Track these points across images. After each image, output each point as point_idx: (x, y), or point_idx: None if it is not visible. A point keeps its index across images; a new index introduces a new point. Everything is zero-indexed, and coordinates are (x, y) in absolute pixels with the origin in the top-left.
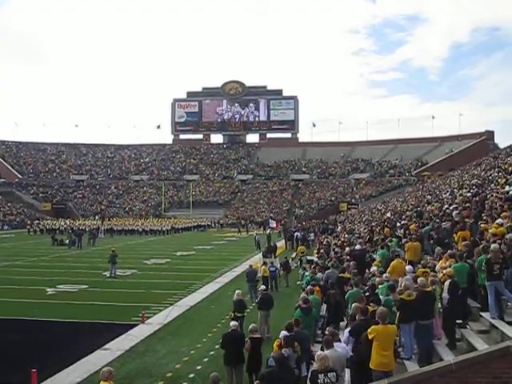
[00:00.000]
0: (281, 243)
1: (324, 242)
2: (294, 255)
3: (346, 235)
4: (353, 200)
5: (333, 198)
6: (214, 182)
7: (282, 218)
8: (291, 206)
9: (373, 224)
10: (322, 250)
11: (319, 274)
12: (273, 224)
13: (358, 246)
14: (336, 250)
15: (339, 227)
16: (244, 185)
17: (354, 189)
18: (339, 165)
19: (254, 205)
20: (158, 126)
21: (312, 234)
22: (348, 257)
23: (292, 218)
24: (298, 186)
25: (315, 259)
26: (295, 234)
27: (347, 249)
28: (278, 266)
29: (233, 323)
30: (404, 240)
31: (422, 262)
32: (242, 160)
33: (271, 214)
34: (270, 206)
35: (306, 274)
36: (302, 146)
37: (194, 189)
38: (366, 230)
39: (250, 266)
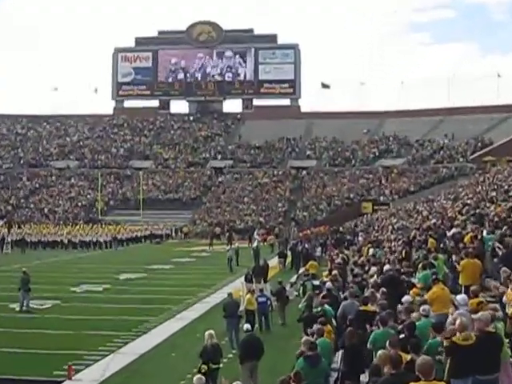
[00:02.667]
0: (274, 261)
1: (338, 260)
2: (294, 279)
3: (371, 250)
4: (381, 198)
5: (351, 195)
6: (176, 170)
7: (276, 224)
8: (290, 206)
9: (411, 233)
10: (334, 272)
11: (326, 308)
12: (259, 235)
13: (388, 266)
14: (356, 271)
15: (360, 237)
16: (220, 175)
17: (383, 181)
18: (361, 146)
19: (235, 204)
20: (95, 90)
21: (319, 248)
22: (373, 281)
23: (291, 225)
24: (301, 176)
25: (327, 284)
26: (296, 247)
27: (372, 269)
28: (270, 294)
29: (198, 380)
30: (456, 257)
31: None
32: (217, 139)
33: (260, 219)
34: (258, 207)
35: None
36: (307, 118)
37: (146, 181)
38: (400, 242)
39: (230, 294)
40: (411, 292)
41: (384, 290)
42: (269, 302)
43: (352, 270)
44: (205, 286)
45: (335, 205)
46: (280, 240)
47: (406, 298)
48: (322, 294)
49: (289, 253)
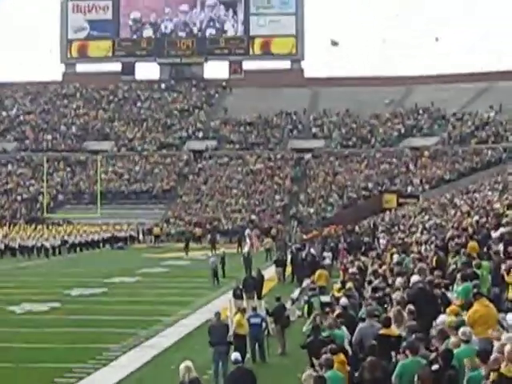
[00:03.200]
0: (270, 271)
1: (353, 269)
2: (296, 294)
3: (396, 256)
4: (408, 189)
5: (369, 186)
6: (144, 154)
7: (272, 223)
8: (291, 200)
9: (446, 234)
10: (349, 284)
11: (343, 330)
12: (251, 238)
13: (417, 277)
14: (376, 283)
15: (382, 240)
16: (201, 160)
17: (411, 167)
18: (382, 121)
19: (221, 198)
20: (49, 51)
21: (329, 254)
22: (399, 297)
23: (292, 224)
24: (304, 162)
25: (342, 301)
26: (299, 253)
27: (397, 281)
28: (266, 314)
29: None
30: (504, 265)
31: None
32: (197, 113)
33: (253, 217)
34: (250, 201)
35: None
36: (312, 86)
37: (105, 168)
38: (432, 246)
39: (217, 314)
40: (447, 310)
41: (412, 307)
42: (264, 325)
43: (370, 282)
44: (181, 305)
45: (349, 198)
46: (278, 244)
47: (440, 319)
48: (334, 314)
49: (289, 260)
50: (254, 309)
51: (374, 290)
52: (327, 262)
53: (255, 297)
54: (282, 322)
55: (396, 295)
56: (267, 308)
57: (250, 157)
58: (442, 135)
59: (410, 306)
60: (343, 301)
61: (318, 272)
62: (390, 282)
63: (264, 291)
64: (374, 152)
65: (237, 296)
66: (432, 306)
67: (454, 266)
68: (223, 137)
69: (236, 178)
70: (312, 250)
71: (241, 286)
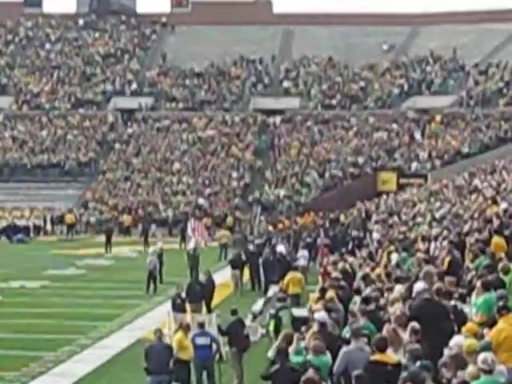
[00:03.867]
0: (225, 275)
1: (336, 273)
2: (259, 305)
3: (394, 255)
4: (412, 165)
5: (360, 160)
6: (54, 115)
7: (228, 210)
8: (254, 179)
9: (463, 227)
10: (330, 293)
11: (328, 357)
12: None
13: (422, 285)
14: (367, 292)
15: (375, 234)
16: (132, 123)
17: (417, 136)
18: (378, 73)
19: (158, 175)
20: None
21: (304, 252)
22: (398, 311)
23: (255, 212)
24: (272, 127)
25: (317, 316)
26: (263, 249)
27: (396, 290)
28: (217, 333)
29: None
30: None
31: None
32: (127, 59)
33: (201, 201)
34: (198, 179)
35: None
36: (284, 24)
37: (1, 134)
38: (444, 243)
39: (158, 331)
40: (463, 330)
41: (416, 325)
42: (214, 347)
43: (359, 291)
44: (103, 319)
45: (332, 177)
46: (236, 238)
47: (454, 341)
48: (310, 332)
49: (250, 260)
50: (202, 325)
51: (365, 300)
52: (302, 262)
53: (203, 309)
54: (240, 344)
55: (394, 309)
56: (219, 324)
57: (198, 120)
58: (460, 93)
59: (413, 324)
60: (321, 315)
61: (289, 276)
62: (386, 289)
63: (215, 301)
64: (366, 115)
65: (178, 308)
66: (443, 323)
67: (474, 271)
68: (162, 92)
69: (179, 148)
70: (281, 247)
71: (184, 295)
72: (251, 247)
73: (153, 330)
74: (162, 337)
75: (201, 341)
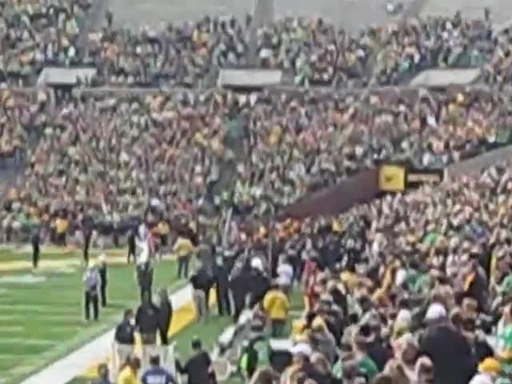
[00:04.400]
0: (185, 296)
1: (326, 296)
2: (227, 335)
3: (401, 272)
4: (424, 159)
5: (358, 151)
6: None
7: (190, 213)
8: (222, 173)
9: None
10: (318, 321)
11: None
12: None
13: (435, 310)
14: (366, 319)
15: (377, 244)
16: (68, 102)
17: (430, 120)
18: (381, 40)
19: (100, 168)
20: None
21: (286, 268)
22: (405, 343)
23: (225, 216)
24: (247, 108)
25: (299, 349)
26: (234, 263)
27: (404, 316)
28: (175, 370)
29: None
30: None
31: None
32: (63, 20)
33: (154, 203)
34: (151, 174)
35: None
36: None
37: None
38: (465, 257)
39: (103, 368)
40: (486, 365)
41: (427, 362)
42: None
43: (355, 318)
44: (28, 352)
45: (322, 172)
46: (201, 249)
47: (476, 382)
48: (289, 371)
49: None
50: (155, 360)
51: (363, 330)
52: (283, 280)
53: (157, 340)
54: None
55: (400, 340)
56: (177, 360)
57: (152, 98)
58: (485, 67)
59: (424, 360)
60: (304, 348)
61: (269, 296)
62: (389, 317)
63: (173, 330)
64: (366, 94)
65: (124, 338)
66: (461, 359)
67: (502, 293)
68: (107, 63)
69: (128, 133)
70: (257, 261)
71: (133, 322)
72: (219, 261)
73: (96, 366)
74: (108, 375)
75: (154, 380)
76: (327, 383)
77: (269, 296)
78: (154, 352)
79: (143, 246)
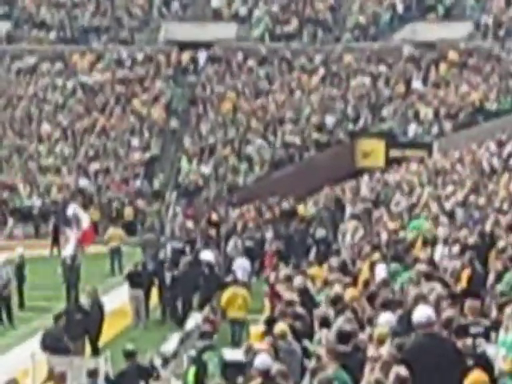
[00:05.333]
0: (120, 297)
1: (291, 295)
2: (171, 344)
3: (381, 267)
4: (410, 129)
5: (329, 121)
6: None
7: (126, 196)
8: (165, 148)
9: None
10: (280, 326)
11: None
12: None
13: (422, 313)
14: (339, 323)
15: (351, 234)
16: None
17: (416, 84)
18: None
19: (16, 142)
20: None
21: (243, 263)
22: (386, 353)
23: (169, 199)
24: (194, 67)
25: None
26: (180, 256)
27: (385, 320)
28: None
29: None
30: None
31: None
32: None
33: (83, 182)
34: (80, 149)
35: None
36: None
37: None
38: (457, 248)
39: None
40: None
41: (403, 373)
42: None
43: (325, 322)
44: None
45: (286, 146)
46: (147, 239)
47: None
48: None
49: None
50: (92, 374)
51: (340, 337)
52: (239, 277)
53: (86, 350)
54: None
55: (378, 350)
56: (107, 373)
57: (80, 57)
58: (483, 19)
59: (400, 370)
60: (263, 360)
61: (228, 292)
62: (366, 321)
63: (105, 338)
64: (339, 52)
65: (48, 347)
66: (454, 372)
67: (501, 293)
68: (24, 14)
69: (51, 100)
70: (207, 254)
71: (56, 330)
72: (162, 254)
73: (4, 382)
74: None
75: None
76: None
77: (227, 292)
78: (82, 363)
79: (70, 236)
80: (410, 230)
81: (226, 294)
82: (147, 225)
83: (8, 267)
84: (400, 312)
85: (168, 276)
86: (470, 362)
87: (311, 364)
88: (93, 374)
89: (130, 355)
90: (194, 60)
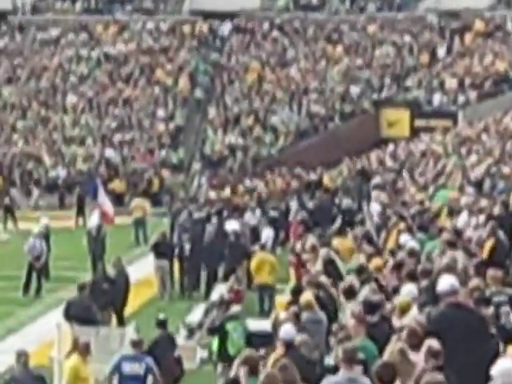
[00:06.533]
0: (144, 267)
1: (316, 266)
2: (195, 315)
3: (405, 236)
4: (435, 98)
5: (353, 91)
6: None
7: (151, 167)
8: (190, 118)
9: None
10: (306, 295)
11: None
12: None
13: (447, 282)
14: (364, 293)
15: (376, 204)
16: (3, 33)
17: (440, 52)
18: None
19: (40, 112)
20: None
21: (268, 233)
22: (412, 322)
23: (194, 170)
24: (219, 37)
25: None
26: (204, 227)
27: (409, 289)
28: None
29: None
30: None
31: None
32: None
33: (109, 153)
34: (104, 120)
35: None
36: None
37: None
38: (482, 218)
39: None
40: (509, 350)
41: (435, 345)
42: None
43: (351, 292)
44: None
45: (311, 117)
46: (171, 210)
47: (499, 369)
48: (272, 357)
49: (186, 244)
50: (137, 344)
51: (367, 308)
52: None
53: (112, 319)
54: (168, 373)
55: (405, 320)
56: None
57: (104, 28)
58: None
59: (431, 342)
60: (288, 330)
61: (256, 257)
62: (392, 291)
63: (131, 308)
64: (363, 21)
65: (72, 317)
66: (479, 341)
67: None
68: None
69: (76, 71)
70: (233, 224)
71: (81, 300)
72: (186, 224)
73: (15, 353)
74: (28, 363)
75: (131, 368)
76: (318, 371)
77: (256, 258)
78: (135, 335)
79: (95, 208)
80: (435, 199)
81: (254, 260)
82: (173, 195)
83: (42, 239)
84: (426, 282)
85: (187, 246)
86: (495, 331)
87: (338, 334)
88: (137, 344)
89: (161, 324)
90: (219, 30)
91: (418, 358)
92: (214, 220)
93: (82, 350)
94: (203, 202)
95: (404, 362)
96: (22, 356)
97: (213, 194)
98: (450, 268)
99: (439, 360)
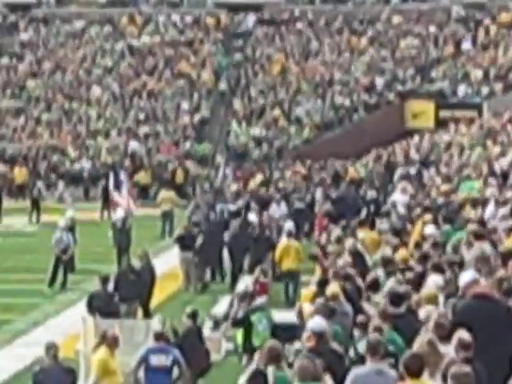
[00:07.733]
0: (170, 260)
1: (344, 258)
2: (221, 307)
3: (431, 227)
4: (458, 91)
5: (378, 82)
6: None
7: (176, 159)
8: (215, 110)
9: None
10: (333, 288)
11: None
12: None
13: (472, 274)
14: (390, 285)
15: (401, 195)
16: (27, 25)
17: (465, 44)
18: None
19: (68, 107)
20: None
21: (291, 226)
22: (437, 314)
23: (219, 162)
24: (244, 30)
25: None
26: (232, 218)
27: (434, 280)
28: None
29: None
30: None
31: None
32: None
33: (133, 145)
34: (129, 112)
35: None
36: None
37: None
38: (508, 209)
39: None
40: None
41: (466, 337)
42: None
43: (376, 285)
44: None
45: (336, 108)
46: (192, 203)
47: None
48: (306, 344)
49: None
50: (160, 337)
51: (393, 300)
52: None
53: (138, 311)
54: (196, 364)
55: (429, 311)
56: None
57: (128, 21)
58: None
59: (463, 335)
60: (317, 322)
61: (282, 243)
62: (418, 283)
63: (156, 301)
64: (388, 13)
65: (95, 309)
66: (506, 333)
67: None
68: None
69: (100, 63)
70: (253, 216)
71: (106, 292)
72: (212, 216)
73: (44, 346)
74: (57, 355)
75: (158, 361)
76: (345, 363)
77: (282, 244)
78: (157, 326)
79: (120, 200)
80: (461, 191)
81: (279, 248)
82: (201, 187)
83: (68, 231)
84: (451, 274)
85: (200, 238)
86: None
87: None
88: (160, 337)
89: (192, 316)
90: (243, 22)
91: (447, 349)
92: (239, 212)
93: (110, 342)
94: (232, 195)
95: (432, 353)
96: (52, 348)
97: (239, 186)
98: (483, 259)
99: (469, 352)
